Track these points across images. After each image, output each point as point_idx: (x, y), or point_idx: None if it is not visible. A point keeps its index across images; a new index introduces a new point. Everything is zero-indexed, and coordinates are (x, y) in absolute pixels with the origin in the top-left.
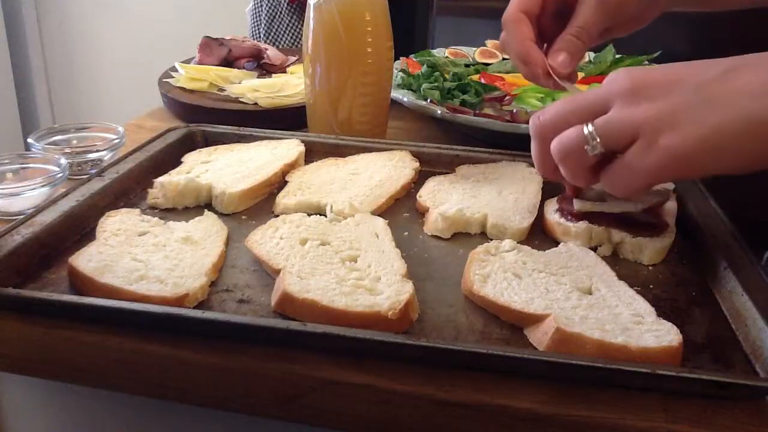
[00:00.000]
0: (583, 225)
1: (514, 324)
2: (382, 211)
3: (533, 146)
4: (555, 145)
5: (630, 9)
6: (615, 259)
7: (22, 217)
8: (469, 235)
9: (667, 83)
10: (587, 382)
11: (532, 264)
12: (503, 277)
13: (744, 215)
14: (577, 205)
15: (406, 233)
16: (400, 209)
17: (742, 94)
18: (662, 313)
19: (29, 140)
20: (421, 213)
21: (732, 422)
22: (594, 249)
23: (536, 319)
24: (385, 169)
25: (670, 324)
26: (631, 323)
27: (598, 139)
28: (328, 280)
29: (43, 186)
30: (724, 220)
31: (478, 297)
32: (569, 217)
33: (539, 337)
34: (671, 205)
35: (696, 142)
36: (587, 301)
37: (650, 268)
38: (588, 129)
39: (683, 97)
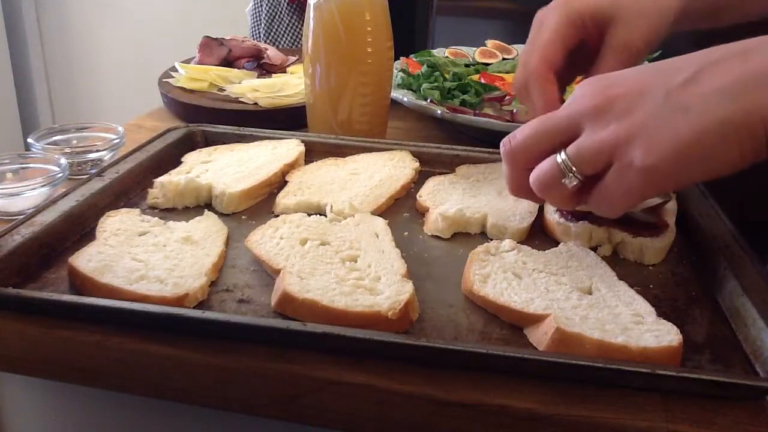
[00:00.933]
0: (583, 225)
1: (514, 324)
2: (382, 211)
3: (505, 171)
4: (533, 180)
5: (649, 50)
6: (615, 259)
7: (22, 217)
8: (469, 235)
9: (634, 95)
10: (587, 382)
11: (532, 264)
12: (503, 277)
13: (744, 215)
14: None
15: (406, 233)
16: (400, 209)
17: (712, 96)
18: (662, 313)
19: (29, 140)
20: (421, 213)
21: (732, 422)
22: (594, 249)
23: (536, 319)
24: (385, 169)
25: (670, 324)
26: (631, 323)
27: (574, 169)
28: (328, 280)
29: (43, 186)
30: (724, 220)
31: (478, 297)
32: (569, 217)
33: (539, 337)
34: (671, 205)
35: (672, 157)
36: (587, 301)
37: (650, 268)
38: (561, 159)
39: (652, 108)
